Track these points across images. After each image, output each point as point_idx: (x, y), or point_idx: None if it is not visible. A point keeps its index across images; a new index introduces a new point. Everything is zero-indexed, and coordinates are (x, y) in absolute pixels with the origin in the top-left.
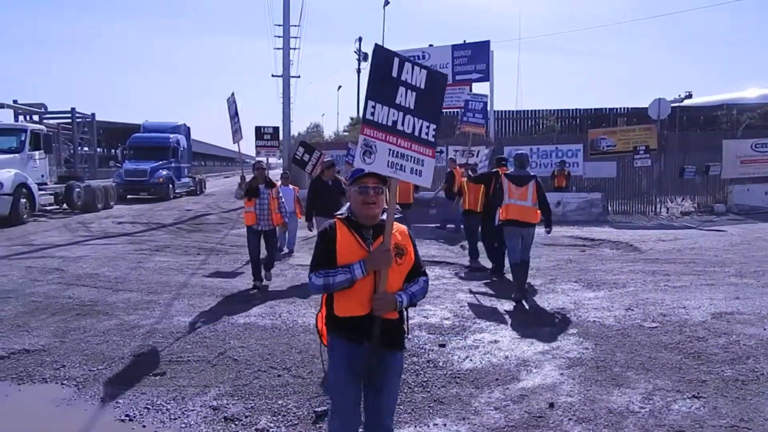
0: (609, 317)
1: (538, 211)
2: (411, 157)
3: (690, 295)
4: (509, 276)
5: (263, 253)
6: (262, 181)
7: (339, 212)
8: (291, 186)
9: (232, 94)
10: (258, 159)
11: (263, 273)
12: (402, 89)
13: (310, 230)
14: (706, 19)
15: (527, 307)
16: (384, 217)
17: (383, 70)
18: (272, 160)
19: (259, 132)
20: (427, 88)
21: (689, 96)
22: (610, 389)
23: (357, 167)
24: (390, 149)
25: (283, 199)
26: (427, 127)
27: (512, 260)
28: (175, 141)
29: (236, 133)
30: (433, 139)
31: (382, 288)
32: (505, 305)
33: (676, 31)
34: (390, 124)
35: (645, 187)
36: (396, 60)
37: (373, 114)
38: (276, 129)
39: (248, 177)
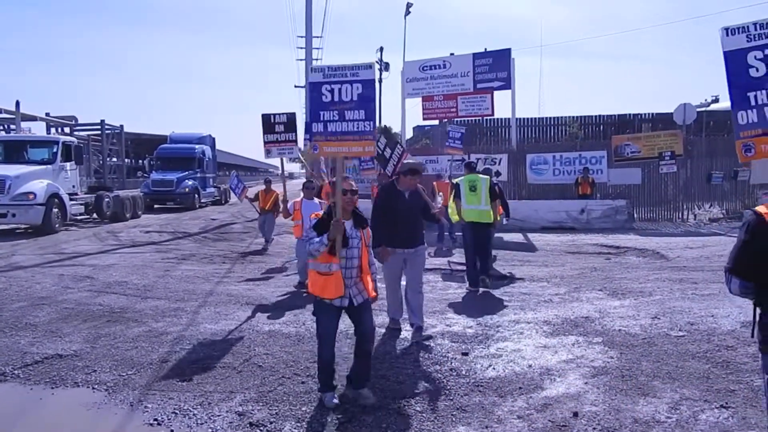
0: (635, 326)
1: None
2: None
3: (719, 304)
4: (533, 285)
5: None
6: (348, 214)
7: None
8: (317, 200)
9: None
10: (325, 169)
11: (347, 388)
12: None
13: (381, 262)
14: (730, 21)
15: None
16: None
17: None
18: (289, 165)
19: (269, 122)
20: None
21: (716, 100)
22: (636, 399)
23: None
24: None
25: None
26: None
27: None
28: (200, 152)
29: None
30: None
31: None
32: (529, 314)
33: (701, 33)
34: None
35: (671, 193)
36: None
37: None
38: (292, 117)
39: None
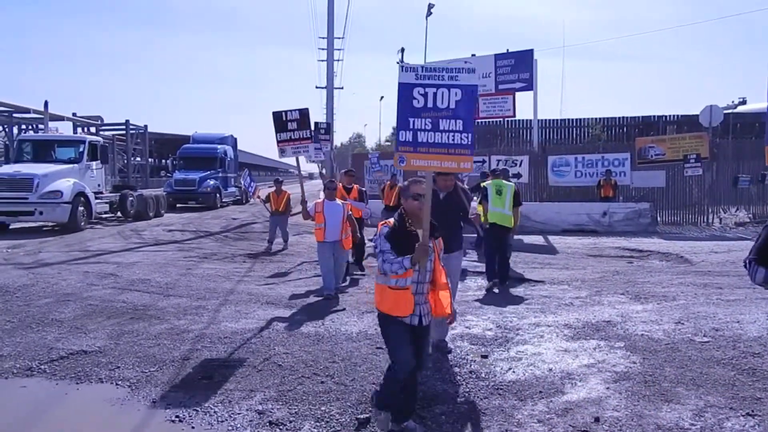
0: (658, 331)
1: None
2: None
3: (745, 309)
4: (554, 288)
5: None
6: (420, 223)
7: None
8: (339, 201)
9: None
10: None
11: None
12: None
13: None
14: (760, 21)
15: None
16: None
17: None
18: (308, 165)
19: (280, 120)
20: None
21: (743, 102)
22: (659, 405)
23: None
24: None
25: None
26: None
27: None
28: (222, 152)
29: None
30: None
31: None
32: (549, 317)
33: (726, 35)
34: None
35: (696, 196)
36: None
37: None
38: (305, 112)
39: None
